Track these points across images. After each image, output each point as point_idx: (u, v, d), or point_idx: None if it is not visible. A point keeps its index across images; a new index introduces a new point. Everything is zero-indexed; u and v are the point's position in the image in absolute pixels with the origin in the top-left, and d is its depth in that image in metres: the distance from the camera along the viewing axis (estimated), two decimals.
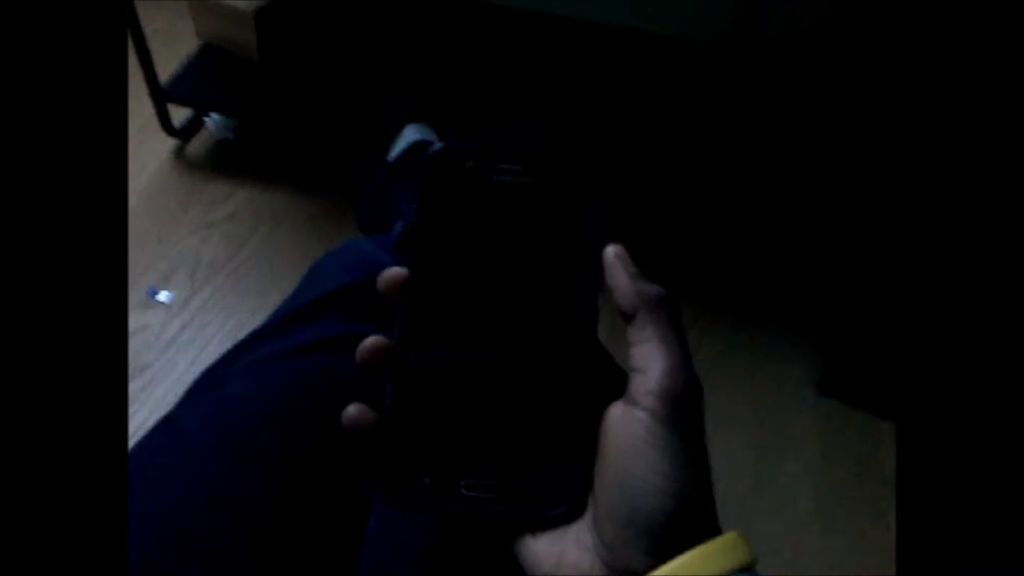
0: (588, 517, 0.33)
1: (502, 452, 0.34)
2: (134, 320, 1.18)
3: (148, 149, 1.40)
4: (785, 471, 1.11)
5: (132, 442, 0.44)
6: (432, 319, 0.35)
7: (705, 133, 1.29)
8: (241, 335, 0.50)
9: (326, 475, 0.43)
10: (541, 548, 0.33)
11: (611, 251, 0.35)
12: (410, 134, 1.13)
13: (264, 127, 1.42)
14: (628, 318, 0.34)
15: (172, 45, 1.45)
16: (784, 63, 1.14)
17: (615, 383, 0.35)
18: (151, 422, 1.14)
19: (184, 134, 1.42)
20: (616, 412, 0.33)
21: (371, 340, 0.34)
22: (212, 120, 1.40)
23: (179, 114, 1.40)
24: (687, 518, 0.31)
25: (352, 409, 0.34)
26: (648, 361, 0.32)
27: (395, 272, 0.35)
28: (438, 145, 0.37)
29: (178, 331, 1.17)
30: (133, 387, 1.10)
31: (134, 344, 1.15)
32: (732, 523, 0.33)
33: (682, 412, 0.32)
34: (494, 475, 0.34)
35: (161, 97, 1.32)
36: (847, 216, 1.25)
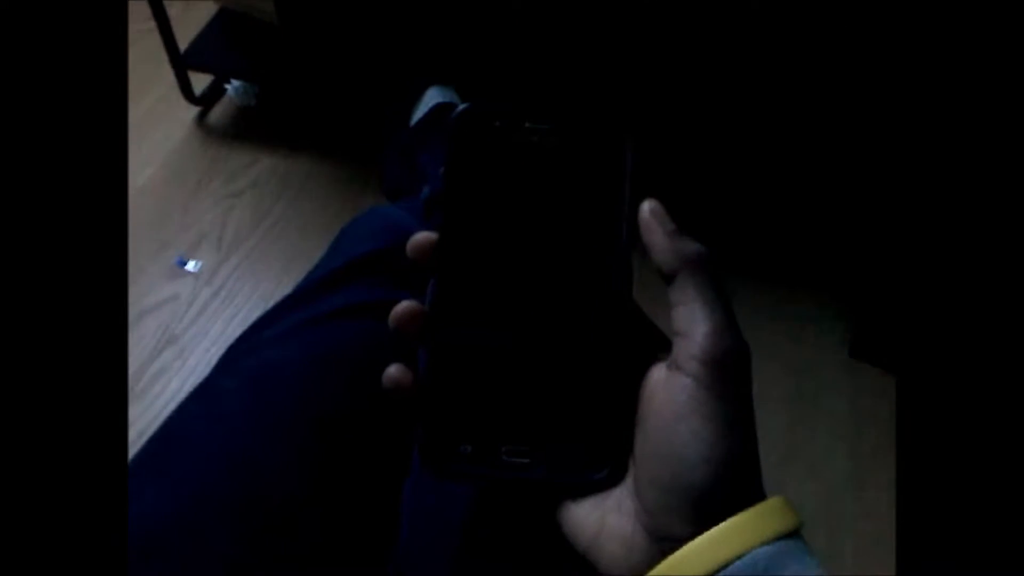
0: (629, 483, 0.33)
1: (541, 418, 0.34)
2: (163, 290, 1.18)
3: (171, 118, 1.40)
4: (817, 437, 1.10)
5: (168, 415, 0.44)
6: (464, 283, 0.34)
7: (735, 89, 1.26)
8: (270, 302, 0.50)
9: (361, 440, 0.43)
10: (582, 514, 0.33)
11: (647, 207, 0.34)
12: (433, 96, 1.12)
13: (286, 92, 1.41)
14: (668, 279, 0.33)
15: (191, 11, 1.43)
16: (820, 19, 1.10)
17: (652, 345, 0.34)
18: (184, 391, 1.16)
19: (206, 101, 1.41)
20: (659, 376, 0.32)
21: (403, 306, 0.34)
22: (233, 87, 1.40)
23: (200, 82, 1.39)
24: (730, 485, 0.30)
25: (393, 369, 0.34)
26: (691, 324, 0.31)
27: (424, 236, 0.34)
28: (464, 105, 0.35)
29: (208, 300, 1.18)
30: (165, 356, 1.11)
31: (164, 314, 1.16)
32: (766, 490, 0.32)
33: (727, 377, 0.31)
34: (534, 441, 0.33)
35: (181, 64, 1.31)
36: (877, 179, 1.22)
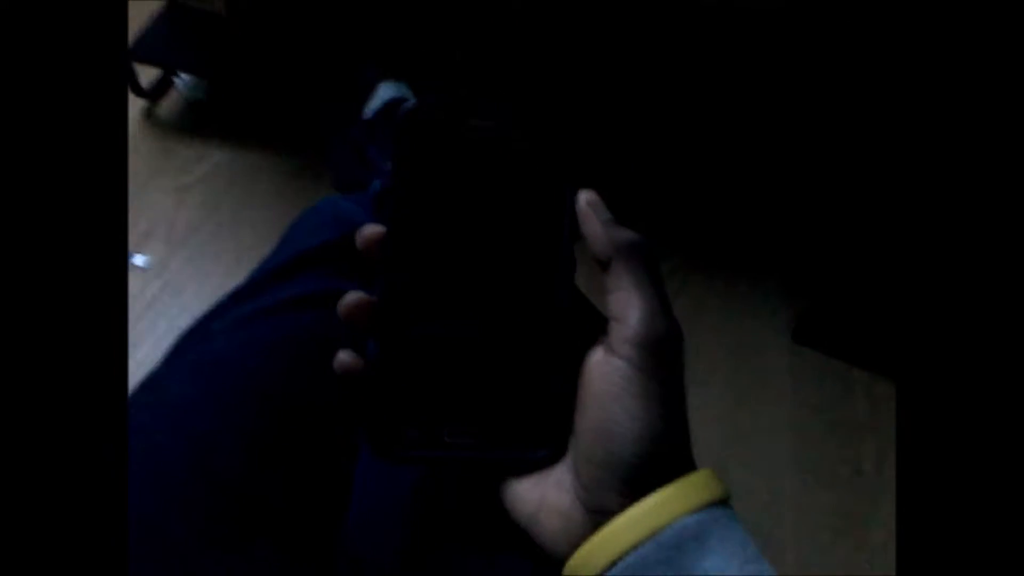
0: (568, 460, 0.34)
1: (483, 401, 0.35)
2: None
3: None
4: (761, 420, 1.13)
5: None
6: (411, 275, 0.35)
7: (684, 81, 1.28)
8: (220, 295, 0.50)
9: (311, 429, 0.44)
10: (524, 491, 0.34)
11: (583, 198, 0.35)
12: (385, 91, 1.12)
13: (235, 86, 1.40)
14: (604, 266, 0.34)
15: (138, 3, 1.41)
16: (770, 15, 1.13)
17: (594, 329, 0.36)
18: (132, 384, 1.14)
19: (153, 95, 1.39)
20: (595, 359, 0.34)
21: (351, 296, 0.35)
22: (182, 80, 1.38)
23: (148, 75, 1.37)
24: (662, 461, 0.32)
25: (343, 355, 0.35)
26: (625, 309, 0.33)
27: (373, 229, 0.35)
28: (412, 101, 0.37)
29: (157, 294, 1.17)
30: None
31: None
32: (710, 471, 0.33)
33: (660, 359, 0.32)
34: (477, 423, 0.35)
35: (127, 56, 1.29)
36: (821, 165, 1.26)
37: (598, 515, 0.32)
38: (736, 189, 1.33)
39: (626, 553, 0.30)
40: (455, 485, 0.40)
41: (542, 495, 0.34)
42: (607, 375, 0.33)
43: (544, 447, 0.35)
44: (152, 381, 0.45)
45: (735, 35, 1.20)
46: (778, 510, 1.06)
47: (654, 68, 1.27)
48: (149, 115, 1.39)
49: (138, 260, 1.20)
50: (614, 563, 0.31)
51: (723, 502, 0.32)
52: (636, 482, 0.31)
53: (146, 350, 1.10)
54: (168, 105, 1.40)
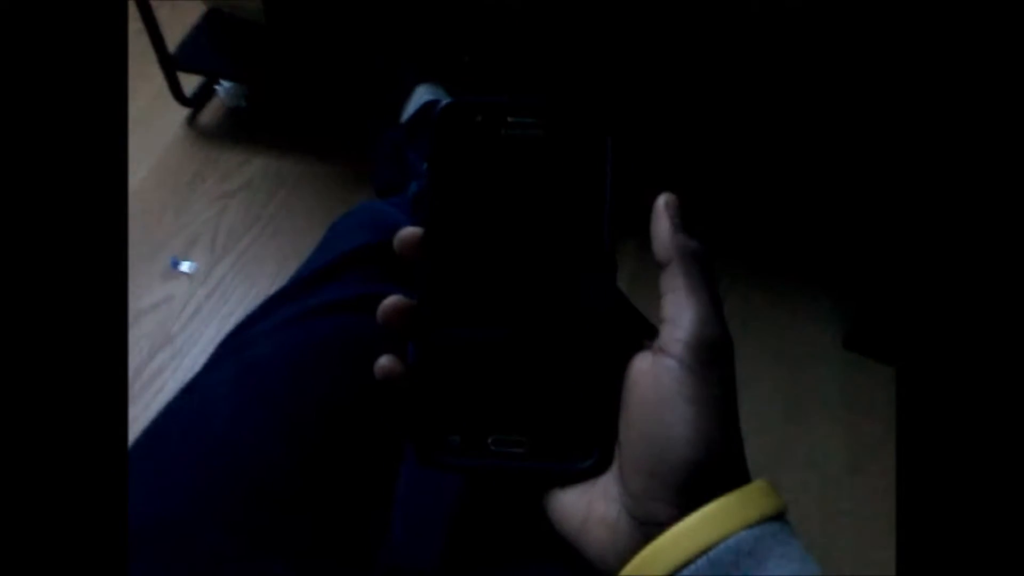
0: (615, 469, 0.33)
1: (528, 408, 0.34)
2: (158, 292, 1.19)
3: (161, 119, 1.40)
4: (813, 428, 1.10)
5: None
6: (451, 277, 0.35)
7: (732, 87, 1.26)
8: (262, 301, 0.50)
9: (353, 435, 0.43)
10: (569, 502, 0.33)
11: (663, 199, 0.34)
12: (422, 94, 1.12)
13: (276, 93, 1.41)
14: (662, 267, 0.33)
15: (178, 12, 1.43)
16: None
17: (638, 334, 0.34)
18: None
19: (196, 102, 1.42)
20: (643, 362, 0.33)
21: (391, 300, 0.34)
22: (223, 88, 1.40)
23: (190, 83, 1.39)
24: (714, 469, 0.30)
25: (384, 360, 0.34)
26: (679, 310, 0.32)
27: (410, 231, 0.35)
28: (448, 100, 0.36)
29: (203, 300, 1.18)
30: (161, 357, 1.11)
31: (159, 315, 1.16)
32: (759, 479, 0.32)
33: (712, 362, 0.31)
34: (522, 431, 0.34)
35: (170, 65, 1.31)
36: (871, 171, 1.23)
37: (647, 527, 0.30)
38: (784, 191, 1.30)
39: (677, 570, 0.29)
40: (499, 495, 0.39)
41: (588, 506, 0.33)
42: (657, 378, 0.31)
43: (590, 457, 0.33)
44: (193, 385, 0.45)
45: (775, 39, 1.17)
46: (833, 521, 1.02)
47: (704, 75, 1.25)
48: (192, 123, 1.41)
49: (184, 267, 1.21)
50: None
51: (780, 515, 0.31)
52: (687, 492, 0.30)
53: (193, 356, 1.12)
54: (210, 113, 1.42)
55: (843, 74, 1.18)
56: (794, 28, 1.16)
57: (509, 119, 0.35)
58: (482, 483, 0.40)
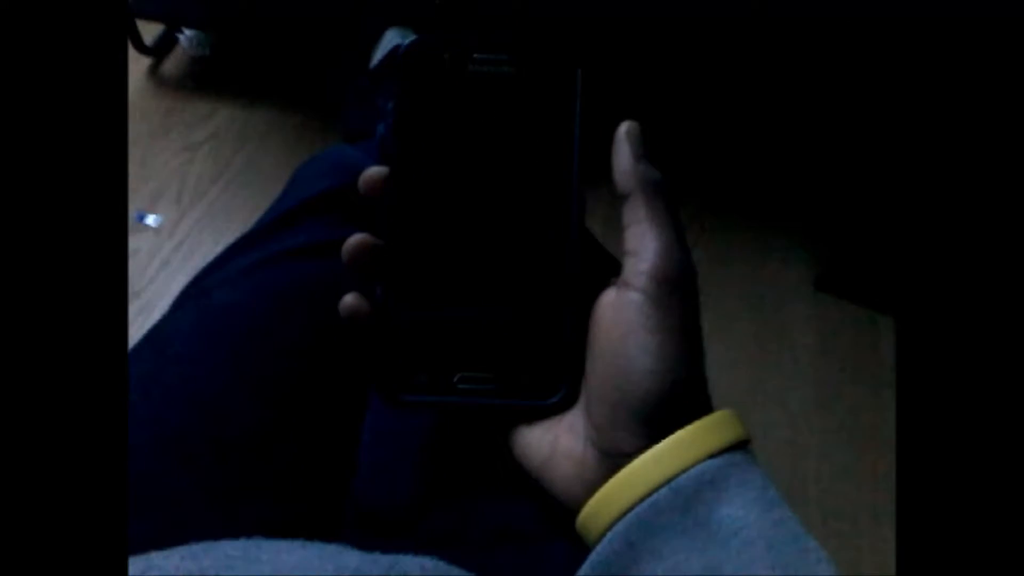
0: (581, 404, 0.33)
1: (495, 345, 0.34)
2: None
3: None
4: (782, 366, 1.12)
5: None
6: (416, 215, 0.34)
7: (709, 24, 1.24)
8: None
9: (317, 379, 0.43)
10: (535, 437, 0.33)
11: (624, 127, 0.34)
12: (391, 38, 1.09)
13: (241, 40, 1.38)
14: (623, 199, 0.33)
15: None
16: None
17: (606, 272, 0.34)
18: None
19: (157, 52, 1.37)
20: (608, 297, 0.32)
21: (356, 239, 0.34)
22: (186, 36, 1.35)
23: (150, 32, 1.35)
24: (678, 399, 0.30)
25: (350, 298, 0.34)
26: (641, 242, 0.32)
27: (375, 171, 0.34)
28: (414, 37, 0.35)
29: (170, 253, 1.16)
30: (129, 312, 1.10)
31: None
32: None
33: (675, 293, 0.31)
34: (488, 368, 0.34)
35: (129, 13, 1.26)
36: (841, 110, 1.22)
37: (613, 458, 0.31)
38: (755, 135, 1.30)
39: (641, 499, 0.29)
40: (465, 434, 0.39)
41: (554, 441, 0.33)
42: (621, 310, 0.31)
43: (557, 393, 0.33)
44: (155, 333, 0.44)
45: None
46: (800, 453, 1.05)
47: (685, 11, 1.23)
48: (154, 73, 1.37)
49: (150, 220, 1.19)
50: (629, 509, 0.29)
51: (743, 445, 0.31)
52: (651, 422, 0.30)
53: (161, 310, 1.10)
54: (173, 62, 1.38)
55: (824, 23, 1.17)
56: None
57: (476, 56, 0.34)
58: (448, 421, 0.40)
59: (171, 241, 1.17)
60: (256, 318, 0.43)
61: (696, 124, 1.30)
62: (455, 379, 0.34)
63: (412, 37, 0.95)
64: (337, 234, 0.47)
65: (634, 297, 0.31)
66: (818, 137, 1.27)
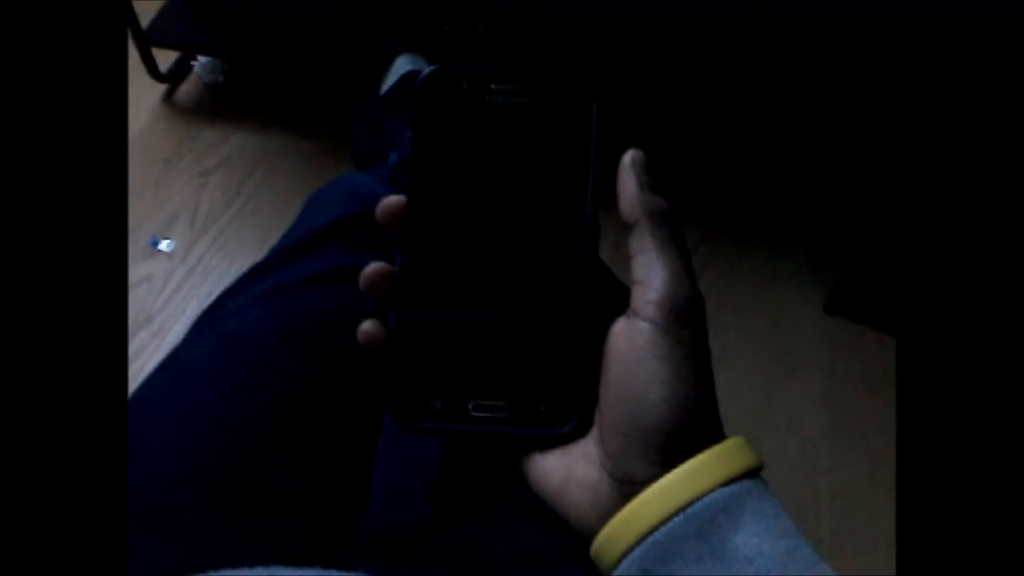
0: (595, 432, 0.33)
1: (508, 374, 0.34)
2: (138, 270, 1.18)
3: (136, 97, 1.37)
4: (794, 390, 1.11)
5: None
6: (433, 244, 0.34)
7: (716, 51, 1.25)
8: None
9: (332, 406, 0.43)
10: (549, 465, 0.33)
11: (629, 156, 0.34)
12: (402, 65, 1.11)
13: (254, 67, 1.39)
14: (629, 227, 0.33)
15: None
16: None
17: (619, 300, 0.34)
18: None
19: (172, 79, 1.39)
20: (619, 326, 0.33)
21: (373, 267, 0.34)
22: (200, 63, 1.37)
23: (166, 59, 1.37)
24: (690, 427, 0.31)
25: (367, 325, 0.34)
26: (649, 272, 0.32)
27: (393, 200, 0.35)
28: (431, 68, 0.35)
29: (183, 278, 1.17)
30: (142, 336, 1.11)
31: (139, 294, 1.15)
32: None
33: (684, 322, 0.31)
34: (502, 395, 0.34)
35: (144, 41, 1.29)
36: (851, 133, 1.23)
37: (627, 486, 0.31)
38: (765, 158, 1.30)
39: (655, 527, 0.29)
40: (479, 458, 0.40)
41: (568, 469, 0.33)
42: (631, 339, 0.32)
43: (570, 421, 0.34)
44: (171, 360, 0.45)
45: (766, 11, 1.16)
46: (813, 479, 1.04)
47: (690, 38, 1.24)
48: (169, 99, 1.39)
49: (163, 245, 1.20)
50: (643, 538, 0.29)
51: (755, 472, 0.31)
52: (664, 450, 0.30)
53: (175, 335, 1.11)
54: (187, 89, 1.40)
55: (827, 43, 1.18)
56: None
57: (493, 86, 0.35)
58: (462, 448, 0.40)
59: (184, 266, 1.18)
60: (272, 344, 0.43)
61: (703, 147, 1.31)
62: (469, 406, 0.34)
63: (422, 63, 0.95)
64: (352, 261, 0.47)
65: (644, 327, 0.31)
66: (826, 159, 1.27)
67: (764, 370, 1.12)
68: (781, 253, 1.23)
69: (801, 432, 1.08)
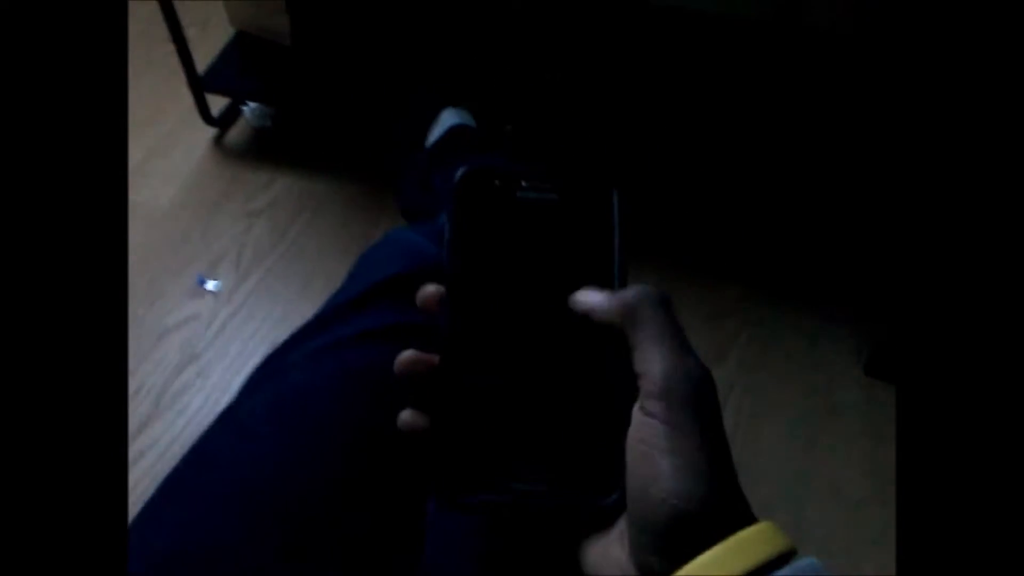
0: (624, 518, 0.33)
1: (549, 452, 0.35)
2: (185, 310, 1.20)
3: (189, 140, 1.42)
4: (835, 454, 1.09)
5: (190, 431, 0.45)
6: (471, 331, 0.37)
7: (752, 112, 1.26)
8: (289, 321, 0.51)
9: (387, 461, 0.44)
10: (590, 541, 0.34)
11: (577, 299, 0.36)
12: (448, 119, 1.13)
13: (301, 114, 1.44)
14: (621, 329, 0.34)
15: (208, 34, 1.46)
16: (835, 39, 1.11)
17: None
18: (205, 408, 1.16)
19: (222, 123, 1.44)
20: (634, 415, 0.33)
21: (407, 355, 0.36)
22: (249, 108, 1.42)
23: (217, 104, 1.41)
24: (704, 518, 0.30)
25: (406, 415, 0.36)
26: (646, 365, 0.33)
27: (432, 290, 0.37)
28: (465, 167, 0.39)
29: (228, 318, 1.20)
30: (187, 374, 1.13)
31: (186, 333, 1.18)
32: (782, 510, 0.32)
33: (687, 411, 0.32)
34: (544, 472, 0.35)
35: (199, 87, 1.34)
36: (893, 196, 1.22)
37: None
38: (802, 218, 1.30)
39: None
40: (525, 537, 0.40)
41: (606, 547, 0.33)
42: (640, 432, 0.32)
43: (611, 495, 0.34)
44: (229, 414, 0.46)
45: (804, 57, 1.18)
46: (860, 547, 1.01)
47: (723, 97, 1.25)
48: (219, 143, 1.43)
49: (209, 285, 1.23)
50: None
51: (786, 558, 0.30)
52: (676, 545, 0.30)
53: (219, 374, 1.13)
54: (236, 133, 1.45)
55: (854, 96, 1.18)
56: (808, 47, 1.16)
57: (524, 183, 0.38)
58: (508, 522, 0.41)
59: (229, 306, 1.21)
60: (329, 399, 0.45)
61: (738, 209, 1.31)
62: (511, 484, 0.35)
63: (468, 117, 0.98)
64: (405, 318, 0.49)
65: (649, 421, 0.32)
66: (868, 224, 1.26)
67: (804, 433, 1.10)
68: (819, 313, 1.22)
69: (844, 496, 1.05)
